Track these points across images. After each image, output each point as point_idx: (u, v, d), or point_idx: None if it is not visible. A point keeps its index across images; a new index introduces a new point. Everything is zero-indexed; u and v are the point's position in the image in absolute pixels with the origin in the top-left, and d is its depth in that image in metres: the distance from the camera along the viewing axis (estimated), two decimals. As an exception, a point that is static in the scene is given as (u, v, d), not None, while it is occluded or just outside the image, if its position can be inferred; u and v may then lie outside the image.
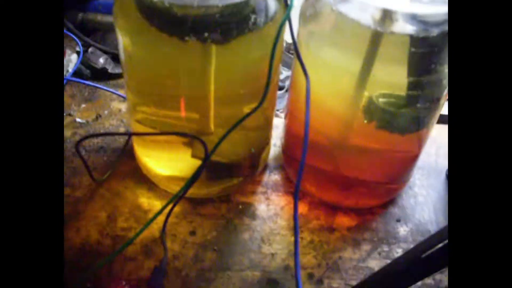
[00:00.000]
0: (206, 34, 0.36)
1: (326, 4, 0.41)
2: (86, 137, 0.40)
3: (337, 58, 0.42)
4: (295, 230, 0.35)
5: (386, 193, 0.51)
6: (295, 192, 0.37)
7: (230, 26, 0.37)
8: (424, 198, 0.53)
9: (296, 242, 0.35)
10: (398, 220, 0.50)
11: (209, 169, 0.46)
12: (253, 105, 0.42)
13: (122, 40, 0.41)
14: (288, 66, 0.67)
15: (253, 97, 0.43)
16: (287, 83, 0.65)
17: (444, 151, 0.59)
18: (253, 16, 0.38)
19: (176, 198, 0.44)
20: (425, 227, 0.50)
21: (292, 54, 0.55)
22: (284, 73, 0.66)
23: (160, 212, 0.44)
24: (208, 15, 0.37)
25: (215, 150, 0.43)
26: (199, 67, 0.40)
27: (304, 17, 0.44)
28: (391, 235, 0.48)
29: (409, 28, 0.38)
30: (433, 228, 0.50)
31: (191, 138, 0.43)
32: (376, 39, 0.39)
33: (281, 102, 0.62)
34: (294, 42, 0.42)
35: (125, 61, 0.42)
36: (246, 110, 0.42)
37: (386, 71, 0.41)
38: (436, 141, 0.58)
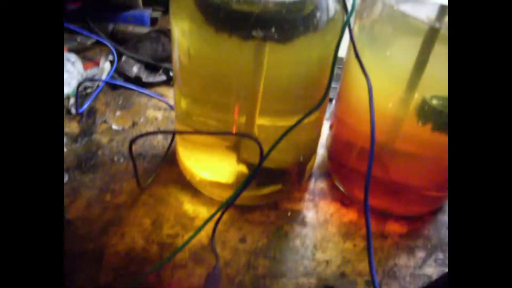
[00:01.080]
0: (272, 30, 0.36)
1: (384, 3, 0.41)
2: (138, 137, 0.38)
3: (391, 58, 0.42)
4: (368, 238, 0.34)
5: (435, 201, 0.50)
6: (364, 199, 0.36)
7: (296, 23, 0.36)
8: (472, 207, 0.52)
9: (370, 253, 0.34)
10: (449, 228, 0.49)
11: (258, 174, 0.45)
12: (300, 115, 0.41)
13: (179, 41, 0.40)
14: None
15: (304, 103, 0.42)
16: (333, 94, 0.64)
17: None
18: (317, 13, 0.37)
19: (226, 205, 0.43)
20: (476, 235, 0.48)
21: (339, 68, 0.54)
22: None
23: (210, 218, 0.43)
24: (274, 11, 0.36)
25: (269, 153, 0.41)
26: (253, 67, 0.39)
27: (361, 17, 0.43)
28: (444, 242, 0.47)
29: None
30: (484, 237, 0.48)
31: (245, 137, 0.42)
32: (431, 36, 0.38)
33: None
34: (353, 41, 0.41)
35: (179, 63, 0.42)
36: (293, 119, 0.41)
37: (440, 71, 0.40)
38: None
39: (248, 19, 0.36)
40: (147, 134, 0.48)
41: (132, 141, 0.39)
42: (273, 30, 0.36)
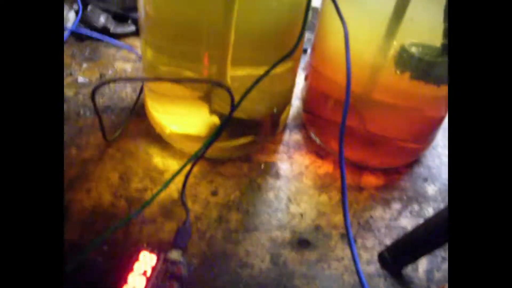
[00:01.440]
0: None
1: None
2: (102, 84, 0.36)
3: (368, 2, 0.40)
4: (343, 190, 0.32)
5: (412, 153, 0.49)
6: (339, 150, 0.34)
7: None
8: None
9: (344, 205, 0.32)
10: (426, 180, 0.48)
11: (230, 126, 0.43)
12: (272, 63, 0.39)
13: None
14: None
15: (278, 52, 0.40)
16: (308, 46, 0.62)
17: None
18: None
19: (196, 157, 0.41)
20: (453, 187, 0.48)
21: (314, 18, 0.52)
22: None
23: (179, 171, 0.41)
24: None
25: (240, 103, 0.39)
26: (222, 13, 0.36)
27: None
28: (420, 194, 0.46)
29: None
30: (461, 188, 0.48)
31: (216, 85, 0.40)
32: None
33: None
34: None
35: (144, 12, 0.39)
36: (267, 69, 0.39)
37: (420, 17, 0.38)
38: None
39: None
40: (111, 81, 0.45)
41: (95, 89, 0.36)
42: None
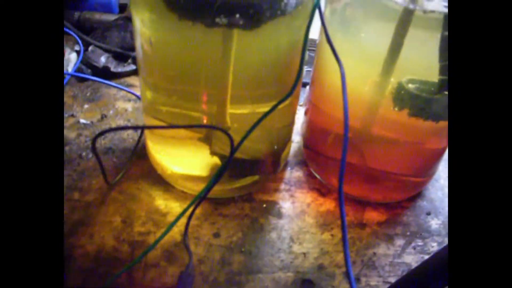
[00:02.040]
0: (237, 16, 0.34)
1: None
2: (102, 133, 0.36)
3: (365, 42, 0.41)
4: (343, 229, 0.32)
5: (414, 186, 0.49)
6: (339, 188, 0.34)
7: (262, 8, 0.34)
8: (451, 190, 0.51)
9: (345, 243, 0.32)
10: (429, 214, 0.48)
11: (231, 166, 0.43)
12: (273, 102, 0.39)
13: (140, 31, 0.38)
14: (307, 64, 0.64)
15: (276, 89, 0.40)
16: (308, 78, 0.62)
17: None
18: (284, -3, 0.36)
19: (198, 199, 0.41)
20: (456, 220, 0.47)
21: (312, 50, 0.52)
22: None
23: (182, 214, 0.41)
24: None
25: (240, 145, 0.40)
26: (221, 55, 0.37)
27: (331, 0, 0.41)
28: (423, 228, 0.46)
29: (443, 7, 0.36)
30: (464, 221, 0.47)
31: (214, 129, 0.40)
32: (406, 18, 0.37)
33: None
34: (324, 26, 0.39)
35: (142, 53, 0.40)
36: (267, 106, 0.39)
37: (416, 55, 0.39)
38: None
39: (211, 5, 0.34)
40: (111, 130, 0.46)
41: (95, 138, 0.37)
42: (237, 16, 0.34)
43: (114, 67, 0.60)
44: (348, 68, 0.40)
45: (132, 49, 0.64)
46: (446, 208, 0.49)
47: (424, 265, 0.38)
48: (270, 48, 0.39)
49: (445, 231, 0.46)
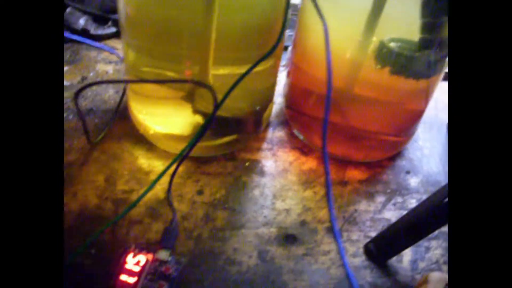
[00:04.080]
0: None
1: None
2: (84, 87, 0.36)
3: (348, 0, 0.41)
4: (328, 185, 0.33)
5: (394, 146, 0.50)
6: (322, 145, 0.35)
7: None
8: (430, 151, 0.52)
9: (329, 199, 0.33)
10: (408, 172, 0.49)
11: (213, 125, 0.43)
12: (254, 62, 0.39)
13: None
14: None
15: (259, 51, 0.40)
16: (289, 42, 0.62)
17: (442, 105, 0.58)
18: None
19: (181, 157, 0.41)
20: (434, 178, 0.49)
21: (294, 15, 0.52)
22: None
23: (164, 171, 0.41)
24: None
25: (223, 101, 0.40)
26: (203, 14, 0.37)
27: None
28: (403, 186, 0.47)
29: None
30: (442, 179, 0.49)
31: (199, 85, 0.40)
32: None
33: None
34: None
35: (125, 14, 0.39)
36: (247, 68, 0.39)
37: (398, 13, 0.39)
38: (434, 96, 0.57)
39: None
40: (93, 84, 0.45)
41: (78, 92, 0.36)
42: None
43: (94, 30, 0.60)
44: (331, 28, 0.41)
45: (112, 11, 0.63)
46: (424, 167, 0.50)
47: (402, 219, 0.39)
48: (253, 7, 0.39)
49: (423, 189, 0.47)
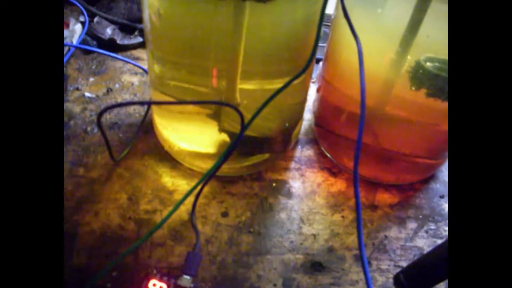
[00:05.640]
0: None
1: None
2: (108, 108, 0.35)
3: (382, 16, 0.39)
4: (358, 211, 0.31)
5: (427, 168, 0.48)
6: (354, 168, 0.33)
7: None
8: (465, 173, 0.50)
9: (359, 225, 0.31)
10: (442, 197, 0.46)
11: (240, 144, 0.42)
12: (285, 78, 0.38)
13: (149, 1, 0.36)
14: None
15: (289, 66, 0.39)
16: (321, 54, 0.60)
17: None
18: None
19: (207, 177, 0.40)
20: (470, 203, 0.46)
21: (326, 26, 0.50)
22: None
23: (190, 192, 0.40)
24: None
25: (251, 122, 0.38)
26: (232, 28, 0.35)
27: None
28: (436, 212, 0.45)
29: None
30: (478, 204, 0.46)
31: (224, 106, 0.39)
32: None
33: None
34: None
35: (150, 25, 0.38)
36: (278, 82, 0.38)
37: (436, 31, 0.37)
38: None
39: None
40: (116, 105, 0.44)
41: (101, 113, 0.35)
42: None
43: (121, 39, 0.59)
44: (364, 44, 0.39)
45: (139, 20, 0.62)
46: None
47: (436, 249, 0.37)
48: (283, 22, 0.37)
49: (458, 215, 0.45)
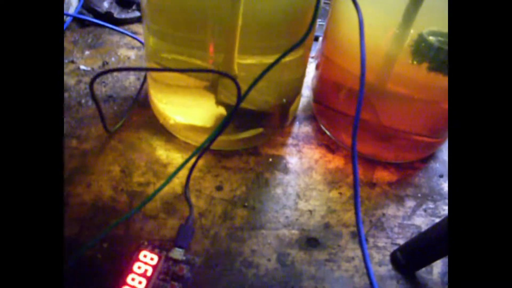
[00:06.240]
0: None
1: None
2: (101, 73, 0.34)
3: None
4: (355, 187, 0.30)
5: (427, 147, 0.47)
6: (352, 145, 0.32)
7: None
8: (465, 153, 0.49)
9: (357, 201, 0.30)
10: (441, 176, 0.46)
11: (237, 117, 0.41)
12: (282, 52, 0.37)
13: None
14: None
15: (288, 40, 0.38)
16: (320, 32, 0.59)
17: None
18: None
19: (201, 150, 0.39)
20: (470, 184, 0.45)
21: (326, 3, 0.49)
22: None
23: (183, 165, 0.39)
24: None
25: (248, 93, 0.37)
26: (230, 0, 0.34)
27: None
28: (435, 191, 0.44)
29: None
30: (478, 185, 0.45)
31: (222, 75, 0.38)
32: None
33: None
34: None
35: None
36: (276, 57, 0.37)
37: (440, 4, 0.36)
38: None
39: None
40: (111, 71, 0.43)
41: (94, 79, 0.34)
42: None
43: (118, 13, 0.58)
44: (366, 18, 0.38)
45: (137, -6, 0.61)
46: (460, 171, 0.46)
47: (434, 228, 0.37)
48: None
49: (458, 194, 0.44)
